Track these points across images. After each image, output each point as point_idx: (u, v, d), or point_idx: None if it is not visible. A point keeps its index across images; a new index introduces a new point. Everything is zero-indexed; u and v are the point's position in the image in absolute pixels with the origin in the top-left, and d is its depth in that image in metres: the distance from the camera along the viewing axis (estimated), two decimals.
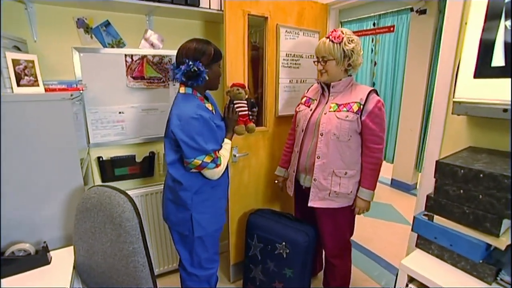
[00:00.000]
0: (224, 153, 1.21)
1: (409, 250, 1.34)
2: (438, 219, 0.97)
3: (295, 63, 1.79)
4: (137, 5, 1.40)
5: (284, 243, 1.48)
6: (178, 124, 1.07)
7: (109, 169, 1.63)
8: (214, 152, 1.13)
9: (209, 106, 1.23)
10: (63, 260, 1.06)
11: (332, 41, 1.28)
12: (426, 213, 1.02)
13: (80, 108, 1.45)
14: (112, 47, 1.52)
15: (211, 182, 1.21)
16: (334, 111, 1.31)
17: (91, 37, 1.46)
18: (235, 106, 1.31)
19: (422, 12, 2.95)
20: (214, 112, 1.26)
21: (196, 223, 1.21)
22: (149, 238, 1.79)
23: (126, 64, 1.56)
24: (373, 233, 2.53)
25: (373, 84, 4.13)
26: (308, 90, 1.54)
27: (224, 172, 1.25)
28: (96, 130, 1.57)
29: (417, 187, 3.55)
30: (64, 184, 1.11)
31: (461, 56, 0.99)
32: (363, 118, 1.27)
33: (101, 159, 1.61)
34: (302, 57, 1.81)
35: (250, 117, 1.38)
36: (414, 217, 1.05)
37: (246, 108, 1.34)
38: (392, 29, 3.58)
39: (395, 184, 3.59)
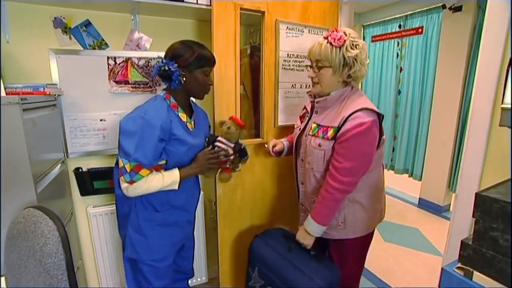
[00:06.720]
0: (153, 183, 0.96)
1: None
2: (480, 278, 0.67)
3: (299, 65, 1.55)
4: (118, 3, 1.26)
5: None
6: (127, 116, 0.96)
7: (88, 181, 1.48)
8: (137, 165, 0.92)
9: (182, 116, 1.04)
10: None
11: (331, 43, 1.01)
12: (460, 265, 0.72)
13: (55, 114, 1.32)
14: (93, 48, 1.39)
15: (160, 197, 1.03)
16: (313, 135, 1.08)
17: (70, 38, 1.34)
18: (216, 150, 1.10)
19: (457, 9, 2.58)
20: (191, 127, 1.07)
21: (129, 241, 1.06)
22: None
23: (108, 67, 1.42)
24: (395, 263, 2.15)
25: (399, 92, 3.74)
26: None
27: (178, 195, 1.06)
28: (74, 139, 1.43)
29: (451, 208, 3.08)
30: (10, 203, 0.96)
31: None
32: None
33: (80, 170, 1.47)
34: None
35: (229, 165, 1.17)
36: (442, 269, 0.75)
37: (227, 156, 1.12)
38: (420, 30, 3.22)
39: (424, 204, 3.15)
